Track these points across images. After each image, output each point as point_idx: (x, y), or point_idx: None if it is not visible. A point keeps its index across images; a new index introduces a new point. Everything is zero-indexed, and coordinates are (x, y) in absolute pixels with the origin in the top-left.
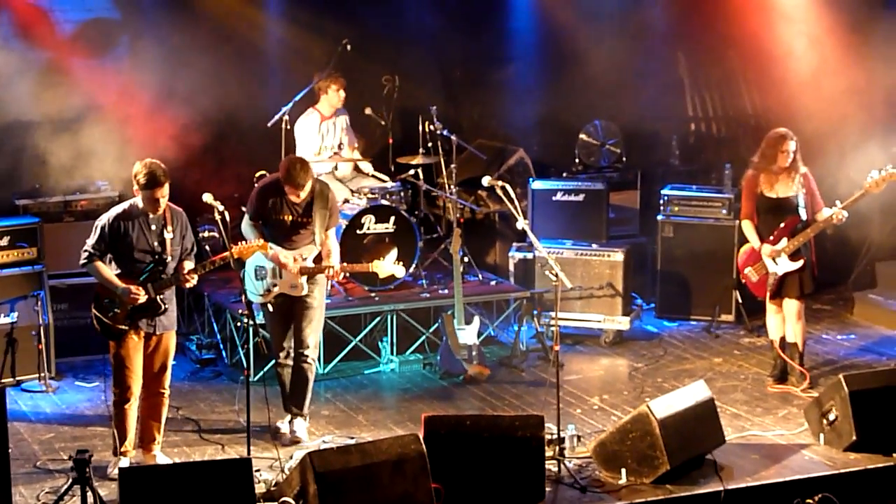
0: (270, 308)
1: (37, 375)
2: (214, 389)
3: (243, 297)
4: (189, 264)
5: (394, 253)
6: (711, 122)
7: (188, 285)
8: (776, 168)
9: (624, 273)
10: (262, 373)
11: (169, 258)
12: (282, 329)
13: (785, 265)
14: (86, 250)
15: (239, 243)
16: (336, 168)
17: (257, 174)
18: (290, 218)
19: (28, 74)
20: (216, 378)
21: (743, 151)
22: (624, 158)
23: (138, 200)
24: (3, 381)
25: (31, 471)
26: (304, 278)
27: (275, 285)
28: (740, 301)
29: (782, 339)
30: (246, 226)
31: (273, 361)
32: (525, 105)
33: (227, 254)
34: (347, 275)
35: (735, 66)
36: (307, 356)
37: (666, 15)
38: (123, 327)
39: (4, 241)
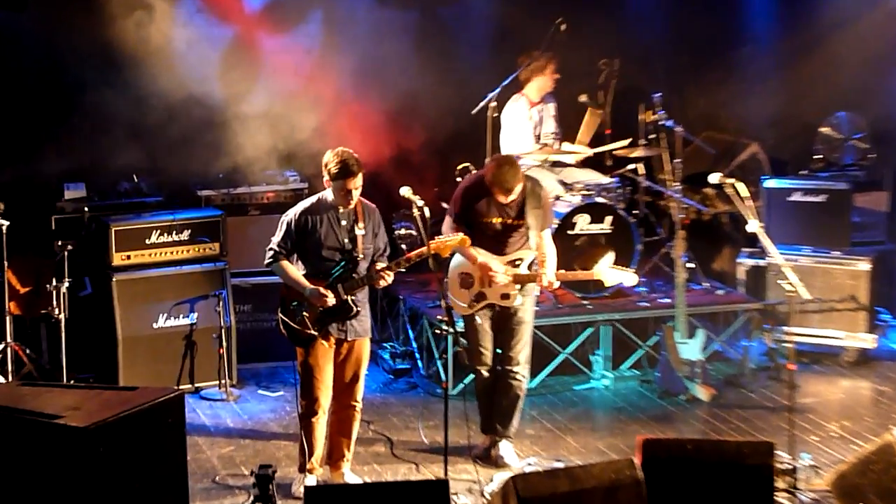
0: (478, 319)
1: (217, 382)
2: (409, 403)
3: (443, 302)
4: (382, 264)
5: (610, 257)
6: None
7: (382, 284)
8: None
9: (869, 284)
10: (461, 385)
11: (360, 256)
12: (488, 342)
13: None
14: (271, 248)
15: (436, 238)
16: (547, 160)
17: (459, 167)
18: (500, 220)
19: (211, 53)
20: (411, 390)
21: None
22: (871, 155)
23: (328, 193)
24: (181, 387)
25: (210, 486)
26: (518, 287)
27: (483, 295)
28: None
29: None
30: (447, 229)
31: (474, 375)
32: (760, 94)
33: (423, 250)
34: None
35: None
36: (517, 373)
37: None
38: (312, 332)
39: (185, 235)
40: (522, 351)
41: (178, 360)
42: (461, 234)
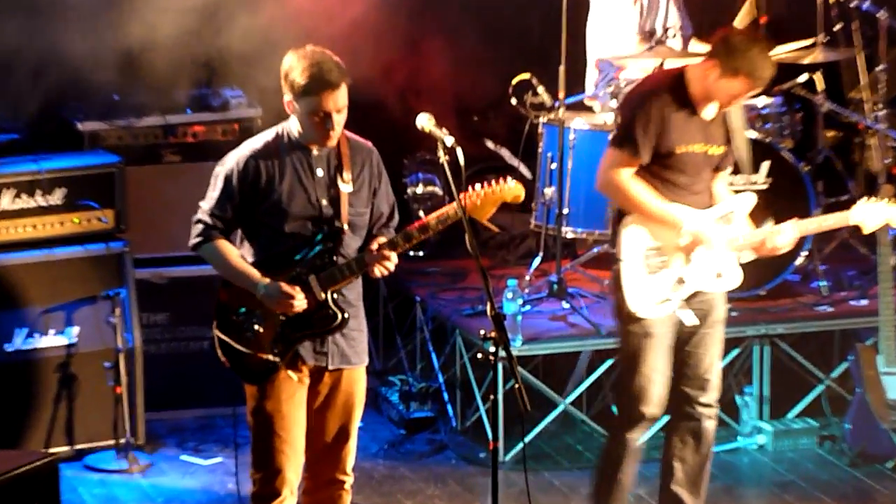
0: (660, 326)
1: (112, 442)
2: (433, 475)
3: (488, 307)
4: (384, 240)
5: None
6: None
7: (379, 273)
8: None
9: None
10: (519, 446)
11: (344, 226)
12: (668, 366)
13: None
14: (199, 220)
15: (474, 189)
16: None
17: (515, 80)
18: (704, 149)
19: None
20: (436, 454)
21: None
22: None
23: (291, 125)
24: (52, 450)
25: None
26: (737, 257)
27: (684, 281)
28: None
29: None
30: (619, 175)
31: (623, 427)
32: None
33: (448, 209)
34: None
35: None
36: (713, 408)
37: None
38: (270, 358)
39: (56, 198)
40: (718, 370)
41: (48, 406)
42: (513, 182)
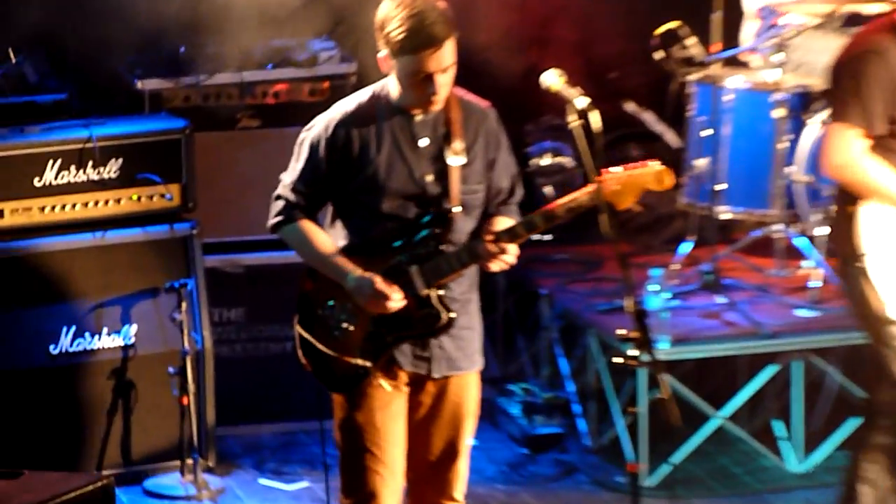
0: None
1: (177, 463)
2: (561, 502)
3: (629, 301)
4: (505, 221)
5: None
6: None
7: (496, 267)
8: None
9: None
10: (664, 469)
11: (455, 207)
12: None
13: None
14: (280, 196)
15: (613, 170)
16: (833, 17)
17: (660, 30)
18: None
19: None
20: (565, 478)
21: None
22: None
23: (391, 84)
24: (107, 472)
25: None
26: None
27: None
28: None
29: None
30: (852, 154)
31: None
32: None
33: (580, 194)
34: None
35: None
36: None
37: None
38: (360, 363)
39: (112, 170)
40: None
41: (102, 419)
42: (659, 165)
